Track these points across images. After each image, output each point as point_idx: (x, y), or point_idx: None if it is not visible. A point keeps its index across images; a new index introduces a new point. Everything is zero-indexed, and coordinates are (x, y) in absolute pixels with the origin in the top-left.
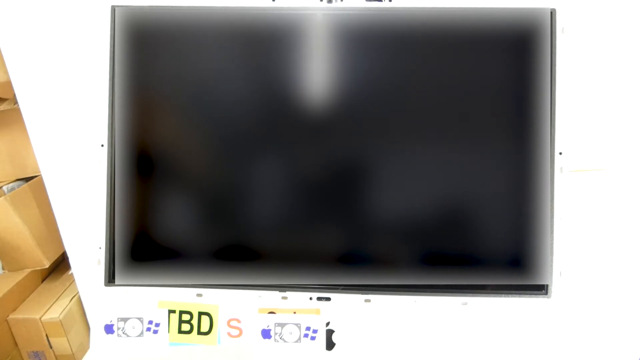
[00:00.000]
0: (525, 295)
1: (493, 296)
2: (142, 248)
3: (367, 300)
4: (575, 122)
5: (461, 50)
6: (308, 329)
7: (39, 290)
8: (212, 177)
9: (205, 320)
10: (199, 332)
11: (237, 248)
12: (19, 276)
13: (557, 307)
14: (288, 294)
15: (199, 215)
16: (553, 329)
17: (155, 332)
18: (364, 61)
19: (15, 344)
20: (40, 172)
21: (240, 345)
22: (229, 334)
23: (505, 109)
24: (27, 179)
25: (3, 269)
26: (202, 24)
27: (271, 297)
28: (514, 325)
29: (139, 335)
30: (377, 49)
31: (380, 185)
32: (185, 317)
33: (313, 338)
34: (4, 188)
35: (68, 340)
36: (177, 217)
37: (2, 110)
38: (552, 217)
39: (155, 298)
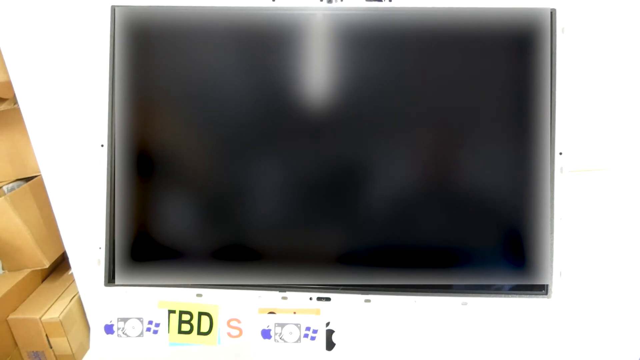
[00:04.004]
0: (525, 295)
1: (493, 296)
2: (142, 248)
3: (367, 300)
4: (575, 122)
5: (461, 51)
6: (308, 329)
7: (39, 290)
8: (212, 177)
9: (205, 320)
10: (199, 332)
11: (237, 248)
12: (19, 276)
13: (557, 307)
14: (288, 294)
15: (199, 215)
16: (553, 329)
17: (155, 332)
18: (364, 61)
19: (15, 344)
20: (40, 172)
21: (240, 345)
22: (229, 334)
23: (506, 109)
24: (27, 179)
25: (3, 269)
26: (202, 24)
27: (271, 297)
28: (514, 325)
29: (139, 336)
30: (377, 49)
31: (380, 186)
32: (185, 317)
33: (313, 338)
34: (4, 188)
35: (68, 340)
36: (177, 217)
37: (2, 110)
38: (552, 217)
39: (155, 298)
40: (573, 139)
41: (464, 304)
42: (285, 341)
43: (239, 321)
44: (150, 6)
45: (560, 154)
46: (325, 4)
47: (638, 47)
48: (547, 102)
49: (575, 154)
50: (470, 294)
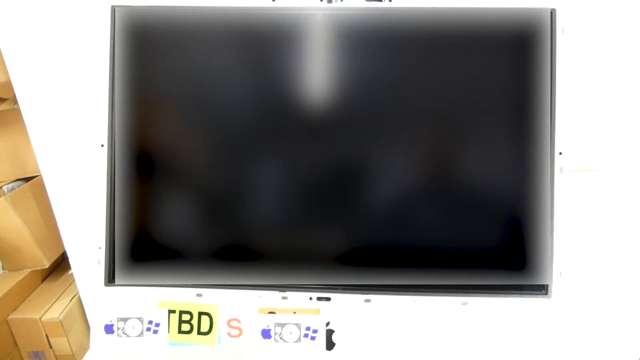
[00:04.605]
0: (525, 295)
1: (493, 296)
2: (142, 248)
3: (367, 300)
4: (575, 122)
5: (461, 51)
6: (308, 329)
7: (39, 290)
8: (212, 177)
9: (205, 320)
10: (199, 332)
11: (237, 248)
12: (19, 276)
13: (557, 307)
14: (288, 294)
15: (199, 215)
16: (553, 329)
17: (155, 332)
18: (363, 61)
19: (15, 344)
20: (40, 172)
21: (240, 345)
22: (229, 334)
23: (506, 109)
24: (27, 179)
25: (3, 269)
26: (202, 24)
27: (271, 297)
28: (514, 325)
29: (139, 335)
30: (377, 49)
31: (380, 185)
32: (185, 317)
33: (313, 338)
34: (4, 188)
35: (68, 340)
36: (177, 217)
37: (2, 110)
38: (552, 217)
39: (155, 298)
40: (573, 139)
41: (464, 304)
42: (285, 341)
43: (239, 321)
44: (150, 6)
45: (560, 154)
46: (325, 4)
47: (638, 47)
48: (547, 102)
49: (575, 154)
50: (471, 294)
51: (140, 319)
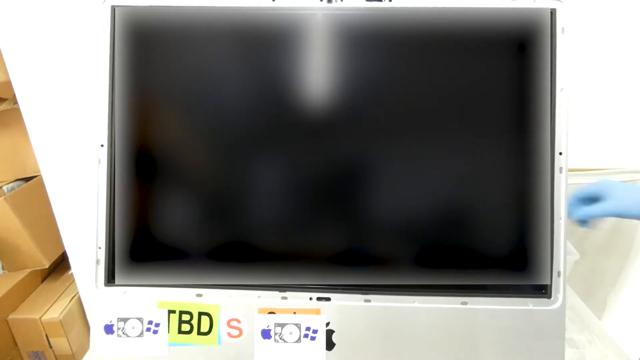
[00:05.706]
0: (525, 296)
1: (493, 296)
2: (142, 248)
3: (367, 300)
4: (575, 122)
5: (461, 50)
6: (308, 329)
7: (39, 290)
8: (212, 177)
9: (205, 320)
10: (199, 332)
11: (238, 248)
12: (19, 276)
13: (556, 308)
14: (288, 294)
15: (199, 216)
16: (553, 329)
17: (155, 332)
18: (364, 61)
19: (15, 344)
20: (40, 172)
21: (240, 345)
22: (229, 334)
23: (505, 109)
24: (27, 179)
25: (3, 269)
26: (202, 24)
27: (271, 297)
28: (513, 325)
29: (139, 336)
30: (377, 49)
31: (380, 185)
32: (185, 317)
33: (313, 338)
34: (4, 188)
35: (68, 340)
36: (177, 217)
37: (2, 110)
38: (552, 217)
39: (155, 298)
40: (573, 139)
41: (464, 303)
42: (285, 341)
43: (239, 321)
44: (150, 6)
45: (560, 154)
46: (325, 4)
47: (638, 47)
48: (547, 102)
49: (575, 154)
50: (470, 295)
51: (140, 319)
